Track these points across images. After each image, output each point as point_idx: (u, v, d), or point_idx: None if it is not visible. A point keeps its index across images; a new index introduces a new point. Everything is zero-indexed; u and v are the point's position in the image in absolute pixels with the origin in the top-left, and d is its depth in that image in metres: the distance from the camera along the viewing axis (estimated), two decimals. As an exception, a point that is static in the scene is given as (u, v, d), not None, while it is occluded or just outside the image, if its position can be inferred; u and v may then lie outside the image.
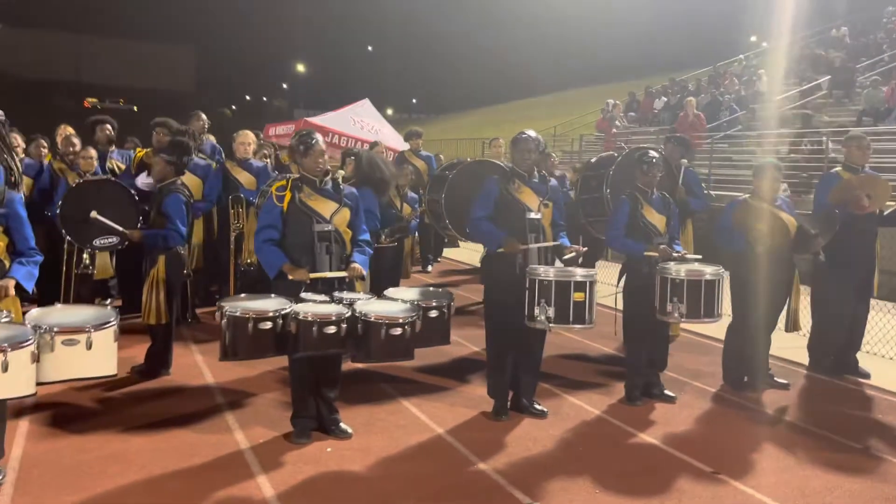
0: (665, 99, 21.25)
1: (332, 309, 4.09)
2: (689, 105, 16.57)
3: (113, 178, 6.53)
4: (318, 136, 4.59)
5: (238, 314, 4.00)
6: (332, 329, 3.95)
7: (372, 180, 6.20)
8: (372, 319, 4.07)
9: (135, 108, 56.84)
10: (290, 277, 4.31)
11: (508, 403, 5.12)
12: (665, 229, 5.52)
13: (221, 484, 3.88)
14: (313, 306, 4.07)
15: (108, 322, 3.81)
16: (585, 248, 5.38)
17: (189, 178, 6.47)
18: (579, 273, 4.75)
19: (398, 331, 4.04)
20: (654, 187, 5.52)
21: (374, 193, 6.19)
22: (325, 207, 4.52)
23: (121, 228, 5.69)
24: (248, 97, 75.32)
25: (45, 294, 6.76)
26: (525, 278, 4.77)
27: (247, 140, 7.52)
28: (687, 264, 5.26)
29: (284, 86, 79.45)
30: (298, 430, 4.54)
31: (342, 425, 4.63)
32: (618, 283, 5.65)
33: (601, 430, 4.93)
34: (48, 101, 53.67)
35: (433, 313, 4.38)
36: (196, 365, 5.99)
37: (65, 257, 6.74)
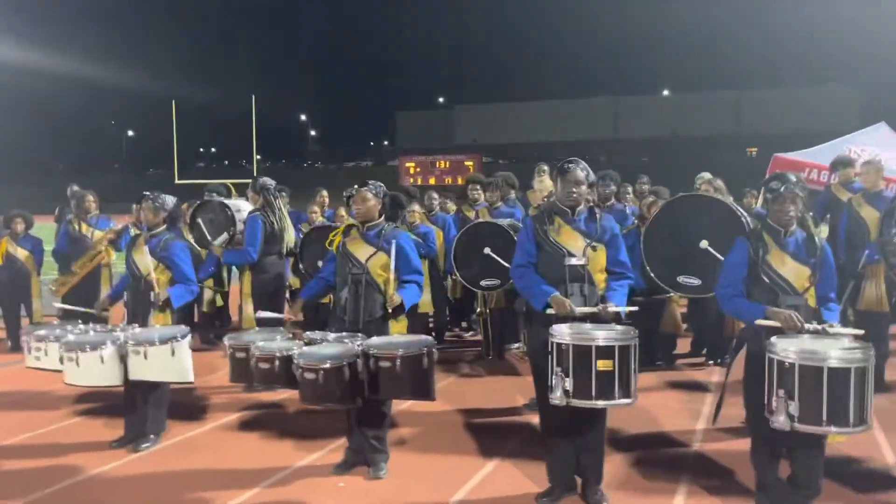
0: None
1: (274, 346, 4.32)
2: None
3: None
4: (368, 186, 4.75)
5: (228, 342, 4.64)
6: (265, 365, 4.21)
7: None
8: (295, 361, 4.13)
9: (752, 152, 56.57)
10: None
11: (566, 488, 4.24)
12: (805, 285, 3.72)
13: (218, 485, 4.52)
14: (265, 343, 4.37)
15: (168, 340, 4.77)
16: (636, 308, 4.02)
17: None
18: (601, 336, 3.70)
19: (312, 375, 3.99)
20: (791, 226, 3.79)
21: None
22: (362, 252, 4.69)
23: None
24: (931, 133, 66.50)
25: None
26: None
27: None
28: (815, 341, 3.48)
29: (978, 113, 67.40)
30: (341, 460, 4.79)
31: (381, 465, 4.66)
32: (731, 356, 3.99)
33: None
34: (709, 154, 57.63)
35: (384, 364, 4.07)
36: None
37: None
